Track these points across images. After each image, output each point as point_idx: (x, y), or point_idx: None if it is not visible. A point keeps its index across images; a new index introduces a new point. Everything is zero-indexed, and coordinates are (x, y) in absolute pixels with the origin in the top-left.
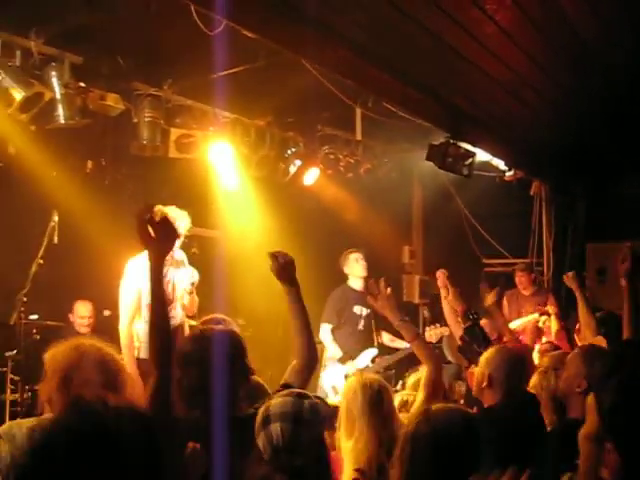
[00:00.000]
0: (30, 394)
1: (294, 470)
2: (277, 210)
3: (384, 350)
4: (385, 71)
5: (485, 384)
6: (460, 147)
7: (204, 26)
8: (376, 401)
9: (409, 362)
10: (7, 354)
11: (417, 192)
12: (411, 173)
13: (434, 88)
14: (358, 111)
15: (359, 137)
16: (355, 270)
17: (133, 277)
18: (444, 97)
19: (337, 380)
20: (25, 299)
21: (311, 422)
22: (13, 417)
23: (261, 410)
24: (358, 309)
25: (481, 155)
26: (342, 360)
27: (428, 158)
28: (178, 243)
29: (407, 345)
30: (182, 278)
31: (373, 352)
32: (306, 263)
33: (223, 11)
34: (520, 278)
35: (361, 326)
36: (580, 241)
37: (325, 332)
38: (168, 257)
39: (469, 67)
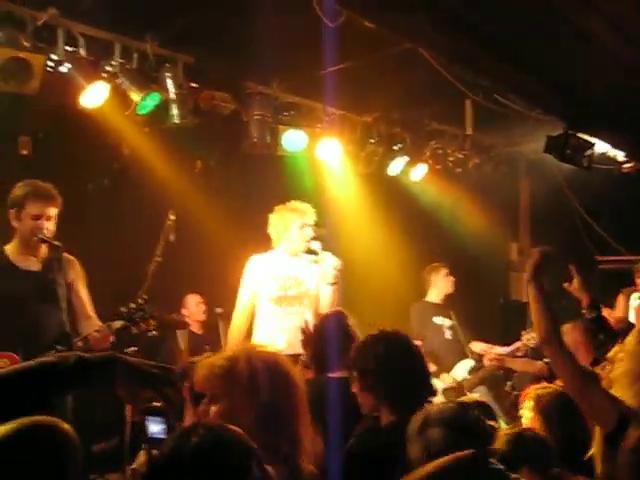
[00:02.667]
0: None
1: None
2: (384, 207)
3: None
4: (505, 60)
5: None
6: (579, 138)
7: (314, 20)
8: None
9: None
10: (128, 350)
11: (525, 186)
12: (519, 167)
13: (554, 76)
14: (468, 104)
15: (469, 131)
16: (444, 286)
17: (251, 273)
18: (564, 85)
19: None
20: (145, 296)
21: (475, 434)
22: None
23: (418, 417)
24: (439, 319)
25: (597, 147)
26: (435, 374)
27: (546, 150)
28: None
29: (505, 349)
30: (311, 275)
31: (470, 363)
32: (412, 258)
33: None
34: None
35: (448, 335)
36: None
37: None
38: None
39: (591, 48)
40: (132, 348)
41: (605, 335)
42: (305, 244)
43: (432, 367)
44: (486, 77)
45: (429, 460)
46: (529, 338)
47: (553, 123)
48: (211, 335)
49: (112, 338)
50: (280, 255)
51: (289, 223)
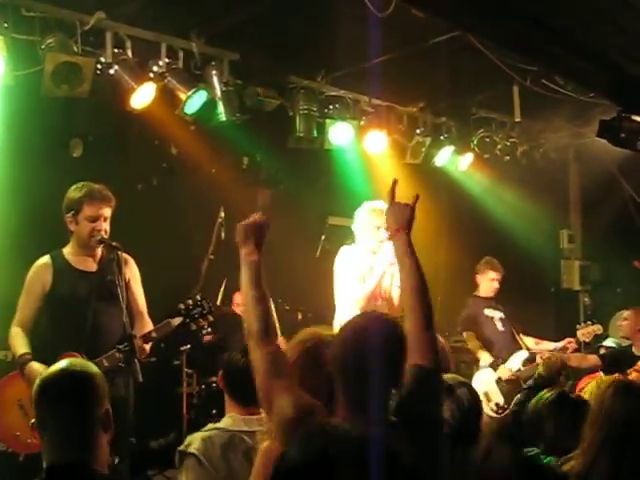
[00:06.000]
0: (204, 387)
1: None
2: (432, 196)
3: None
4: (555, 42)
5: None
6: (633, 121)
7: (362, 10)
8: None
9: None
10: (182, 348)
11: (574, 173)
12: (568, 153)
13: (606, 57)
14: (515, 90)
15: (518, 118)
16: (487, 288)
17: (346, 264)
18: (616, 66)
19: (489, 387)
20: (199, 295)
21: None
22: (190, 408)
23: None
24: (489, 311)
25: None
26: (493, 365)
27: (599, 134)
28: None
29: (556, 345)
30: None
31: (524, 355)
32: (461, 249)
33: None
34: None
35: (500, 327)
36: None
37: (471, 339)
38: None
39: None
40: (186, 346)
41: None
42: (379, 244)
43: (489, 358)
44: (535, 60)
45: (462, 418)
46: (584, 333)
47: (601, 107)
48: None
49: (147, 350)
50: (363, 251)
51: (366, 223)
